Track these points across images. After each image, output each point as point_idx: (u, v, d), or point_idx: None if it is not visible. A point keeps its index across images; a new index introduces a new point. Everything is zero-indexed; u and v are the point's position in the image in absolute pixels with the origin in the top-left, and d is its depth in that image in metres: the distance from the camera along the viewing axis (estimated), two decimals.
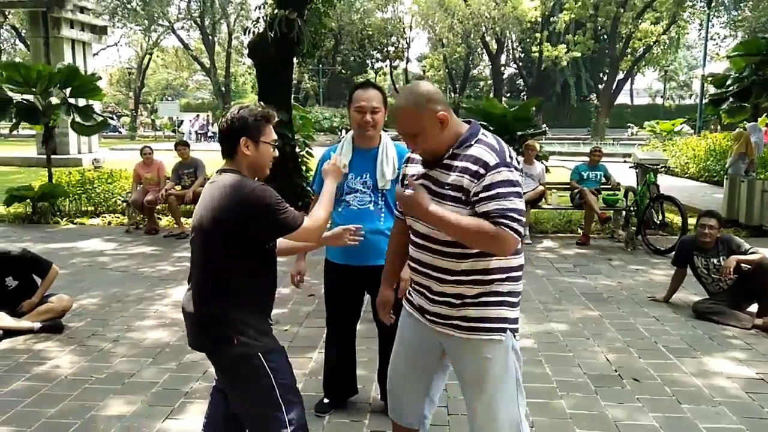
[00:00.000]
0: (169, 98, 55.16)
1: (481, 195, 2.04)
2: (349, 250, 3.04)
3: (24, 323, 4.46)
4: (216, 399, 2.48)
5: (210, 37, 43.68)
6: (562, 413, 3.33)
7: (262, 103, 2.40)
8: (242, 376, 2.22)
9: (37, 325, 4.48)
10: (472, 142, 2.11)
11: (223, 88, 44.39)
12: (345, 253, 3.09)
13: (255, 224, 2.16)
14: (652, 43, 36.27)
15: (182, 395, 3.52)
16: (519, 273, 2.20)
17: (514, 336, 2.19)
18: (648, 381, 3.75)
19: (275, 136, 2.34)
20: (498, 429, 2.18)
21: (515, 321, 2.19)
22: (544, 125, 12.23)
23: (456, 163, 2.09)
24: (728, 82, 11.53)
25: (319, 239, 2.48)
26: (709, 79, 14.01)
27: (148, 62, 48.42)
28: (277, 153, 2.35)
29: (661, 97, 55.75)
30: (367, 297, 3.32)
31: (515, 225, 2.00)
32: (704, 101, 19.21)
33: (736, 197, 8.95)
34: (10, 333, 4.39)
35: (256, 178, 2.29)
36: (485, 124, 8.52)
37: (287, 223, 2.19)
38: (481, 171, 2.04)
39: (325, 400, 3.37)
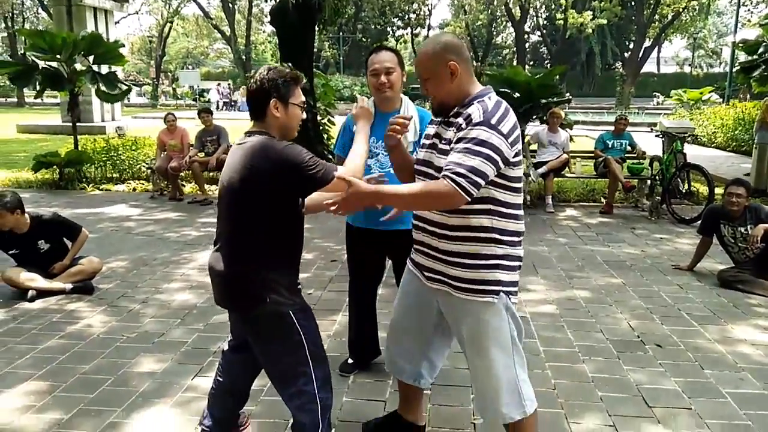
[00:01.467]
0: (190, 67, 55.24)
1: (452, 146, 2.09)
2: (370, 214, 3.08)
3: (56, 284, 4.59)
4: (229, 358, 2.56)
5: (230, 4, 43.38)
6: (585, 377, 3.36)
7: (290, 64, 2.39)
8: (274, 333, 2.27)
9: (69, 286, 4.60)
10: (474, 102, 2.15)
11: (244, 57, 44.21)
12: (366, 218, 3.12)
13: (288, 182, 2.17)
14: (681, 10, 35.19)
15: (210, 354, 3.61)
16: (517, 238, 2.22)
17: (510, 298, 2.22)
18: (671, 347, 3.75)
19: (303, 98, 2.34)
20: (496, 389, 2.25)
21: (511, 284, 2.22)
22: (568, 94, 11.95)
23: (457, 120, 2.15)
24: (760, 50, 11.17)
25: None
26: (741, 45, 13.59)
27: (169, 30, 48.35)
28: (304, 115, 2.36)
29: (689, 65, 54.44)
30: (389, 262, 3.36)
31: (462, 181, 1.99)
32: (734, 69, 18.71)
33: (765, 167, 8.77)
34: (42, 293, 4.52)
35: (285, 140, 2.30)
36: (508, 91, 8.41)
37: (321, 177, 2.18)
38: (464, 126, 2.09)
39: (350, 361, 3.43)
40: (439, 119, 2.29)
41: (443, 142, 2.19)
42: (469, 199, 2.03)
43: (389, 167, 3.08)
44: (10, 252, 4.63)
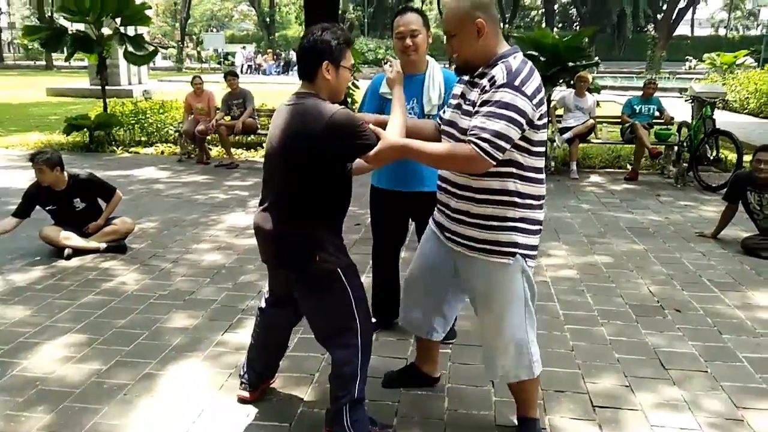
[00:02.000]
0: (214, 29, 55.04)
1: (477, 108, 2.10)
2: (395, 176, 3.15)
3: (91, 243, 4.77)
4: (272, 312, 2.68)
5: None
6: (602, 339, 3.43)
7: (342, 25, 2.39)
8: (323, 289, 2.36)
9: (103, 245, 4.78)
10: (498, 62, 2.13)
11: (268, 19, 43.92)
12: (390, 180, 3.19)
13: (340, 145, 2.19)
14: None
15: (239, 312, 3.75)
16: (538, 202, 2.24)
17: (526, 261, 2.26)
18: (690, 312, 3.79)
19: (353, 61, 2.37)
20: (505, 348, 2.33)
21: (529, 247, 2.25)
22: (597, 57, 11.72)
23: (482, 81, 2.15)
24: None
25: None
26: None
27: None
28: (352, 78, 2.39)
29: (725, 27, 52.62)
30: (412, 226, 3.43)
31: (486, 146, 2.01)
32: None
33: None
34: (78, 252, 4.70)
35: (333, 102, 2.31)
36: (535, 54, 8.30)
37: (370, 143, 2.21)
38: (488, 87, 2.09)
39: (373, 320, 3.53)
40: (466, 79, 2.29)
41: (467, 102, 2.20)
42: (494, 163, 2.05)
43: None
44: (48, 208, 4.81)
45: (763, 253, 4.80)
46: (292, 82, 25.46)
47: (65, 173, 4.73)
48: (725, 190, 5.50)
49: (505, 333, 2.32)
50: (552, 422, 2.64)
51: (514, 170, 2.16)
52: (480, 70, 2.19)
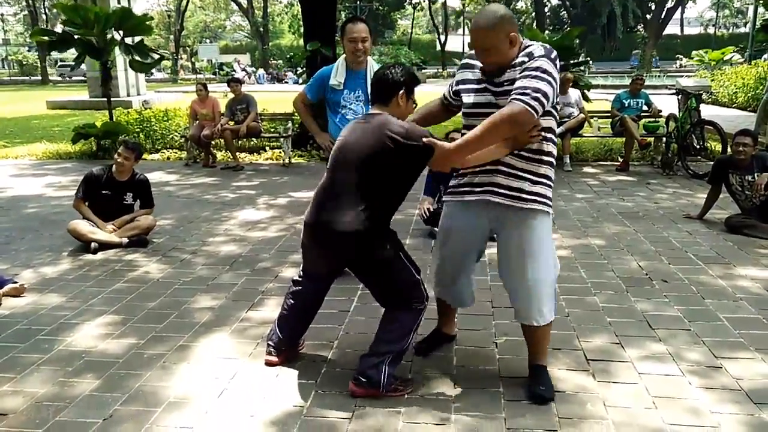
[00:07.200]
0: (208, 41, 55.44)
1: (518, 76, 2.45)
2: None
3: (114, 238, 5.06)
4: (306, 286, 2.99)
5: None
6: (595, 306, 3.73)
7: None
8: (390, 271, 2.72)
9: (125, 240, 5.07)
10: (529, 46, 2.53)
11: (261, 29, 44.29)
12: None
13: (408, 151, 2.55)
14: None
15: (259, 293, 4.04)
16: (553, 159, 2.67)
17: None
18: (676, 282, 4.10)
19: (415, 98, 2.80)
20: (543, 285, 2.66)
21: (550, 198, 2.68)
22: (588, 58, 12.14)
23: (515, 61, 2.52)
24: None
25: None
26: (762, 2, 13.52)
27: (187, 4, 48.50)
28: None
29: (713, 25, 53.22)
30: None
31: (529, 99, 2.36)
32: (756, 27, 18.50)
33: None
34: (102, 246, 4.98)
35: None
36: None
37: (431, 150, 2.55)
38: (527, 60, 2.46)
39: None
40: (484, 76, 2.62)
41: (506, 83, 2.50)
42: (536, 116, 2.39)
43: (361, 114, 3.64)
44: (103, 192, 5.16)
45: (746, 231, 5.12)
46: (281, 89, 25.81)
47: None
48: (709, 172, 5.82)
49: (543, 272, 2.64)
50: (551, 374, 2.93)
51: (546, 134, 2.57)
52: (512, 62, 2.52)
